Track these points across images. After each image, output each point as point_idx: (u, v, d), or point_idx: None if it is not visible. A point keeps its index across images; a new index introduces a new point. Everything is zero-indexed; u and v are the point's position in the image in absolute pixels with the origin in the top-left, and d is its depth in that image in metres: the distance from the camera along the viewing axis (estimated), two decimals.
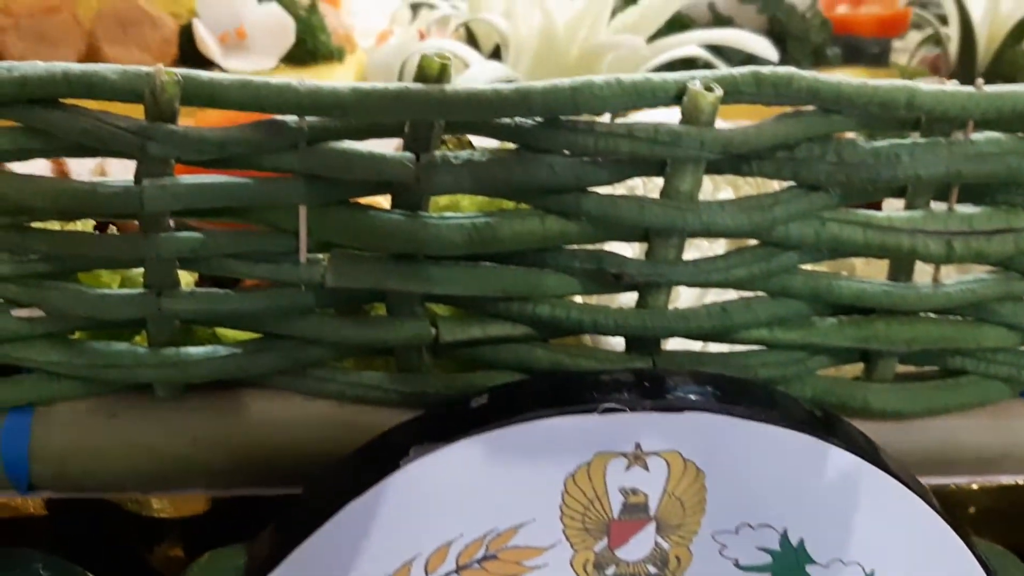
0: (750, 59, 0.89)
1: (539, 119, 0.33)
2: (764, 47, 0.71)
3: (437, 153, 0.33)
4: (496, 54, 1.17)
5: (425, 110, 0.32)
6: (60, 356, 0.34)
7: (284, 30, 0.80)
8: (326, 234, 0.34)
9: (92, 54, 0.74)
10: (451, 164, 0.33)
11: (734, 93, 0.33)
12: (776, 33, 0.99)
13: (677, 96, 0.33)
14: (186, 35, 0.78)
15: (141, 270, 0.34)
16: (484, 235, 0.34)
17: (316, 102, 0.32)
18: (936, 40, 1.25)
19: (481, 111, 0.32)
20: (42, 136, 0.31)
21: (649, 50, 0.67)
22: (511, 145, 0.34)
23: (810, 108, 0.34)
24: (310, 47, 0.84)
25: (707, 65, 0.89)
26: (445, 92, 0.32)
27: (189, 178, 0.32)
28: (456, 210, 0.36)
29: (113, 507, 0.37)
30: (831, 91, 0.34)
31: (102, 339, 0.36)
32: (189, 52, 0.78)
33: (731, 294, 0.38)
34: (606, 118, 0.34)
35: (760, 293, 0.37)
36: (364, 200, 0.35)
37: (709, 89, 0.33)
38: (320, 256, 0.35)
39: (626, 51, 0.69)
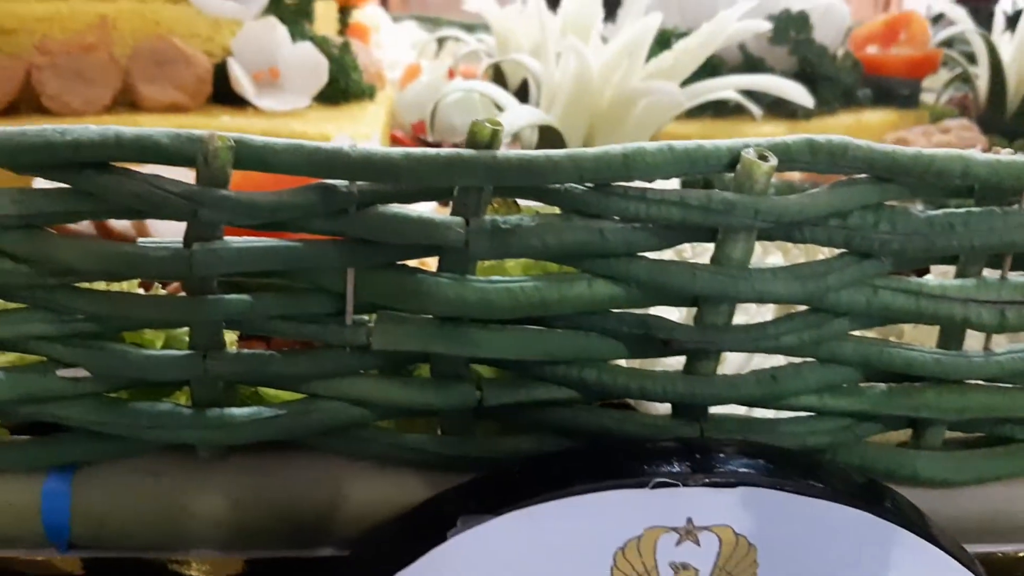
0: (779, 100, 0.89)
1: (589, 184, 0.33)
2: (799, 93, 0.70)
3: (486, 218, 0.33)
4: (523, 90, 1.17)
5: (476, 176, 0.32)
6: (103, 416, 0.34)
7: (318, 69, 0.80)
8: (372, 296, 0.34)
9: (127, 92, 0.75)
10: (500, 229, 0.33)
11: (788, 161, 0.33)
12: (807, 74, 0.98)
13: (730, 164, 0.33)
14: (220, 73, 0.78)
15: (186, 328, 0.34)
16: (531, 299, 0.33)
17: (368, 167, 0.32)
18: (964, 79, 1.25)
19: (532, 177, 0.32)
20: (92, 199, 0.31)
21: (683, 94, 0.67)
22: (559, 208, 0.34)
23: (864, 176, 0.34)
24: (342, 86, 0.84)
25: (738, 108, 0.89)
26: (496, 158, 0.32)
27: (239, 242, 0.32)
28: (503, 273, 0.35)
29: (152, 567, 0.37)
30: (886, 160, 0.33)
31: (144, 397, 0.36)
32: (223, 90, 0.78)
33: (778, 357, 0.38)
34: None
35: (809, 359, 0.36)
36: (411, 262, 0.34)
37: (763, 158, 0.32)
38: (366, 317, 0.34)
39: (660, 96, 0.69)
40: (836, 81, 0.99)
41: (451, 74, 1.04)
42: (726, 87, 0.74)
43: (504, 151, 0.32)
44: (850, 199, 0.33)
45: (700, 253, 0.39)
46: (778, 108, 0.92)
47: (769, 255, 0.41)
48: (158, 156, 0.31)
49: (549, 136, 0.73)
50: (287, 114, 0.78)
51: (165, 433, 0.34)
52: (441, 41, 1.53)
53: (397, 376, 0.36)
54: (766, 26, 0.78)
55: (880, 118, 1.04)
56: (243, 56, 0.78)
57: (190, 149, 0.31)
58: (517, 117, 0.69)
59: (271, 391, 0.36)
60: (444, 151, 0.32)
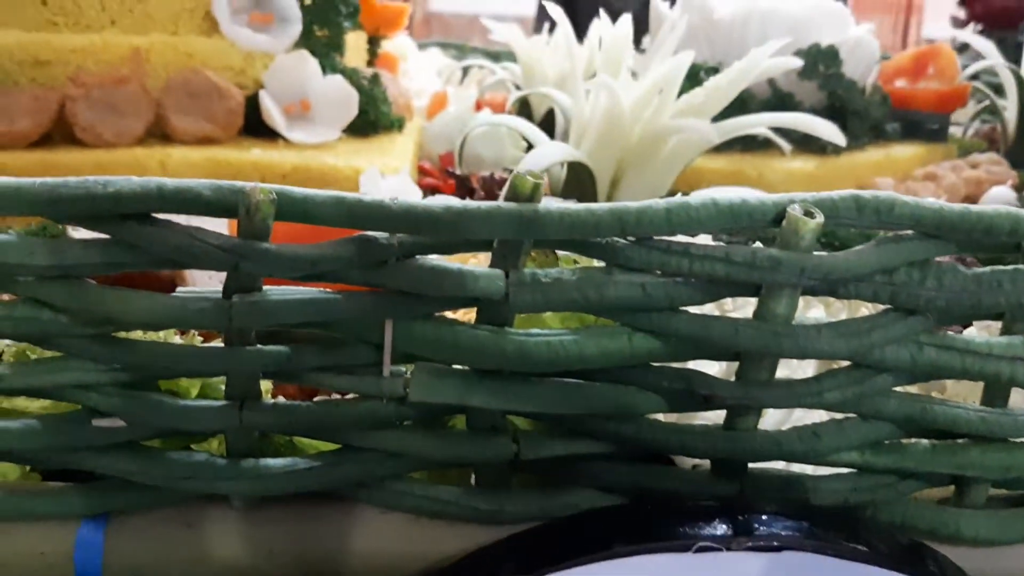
0: (809, 135, 0.88)
1: (632, 238, 0.32)
2: (832, 132, 0.70)
3: (527, 271, 0.33)
4: (549, 119, 1.17)
5: (517, 230, 0.32)
6: (138, 465, 0.34)
7: (348, 102, 0.81)
8: (410, 347, 0.34)
9: (160, 123, 0.75)
10: (540, 282, 0.32)
11: (833, 217, 0.32)
12: (836, 109, 0.98)
13: (775, 219, 0.32)
14: (251, 105, 0.78)
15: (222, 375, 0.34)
16: (570, 353, 0.33)
17: (408, 220, 0.31)
18: (992, 111, 1.24)
19: (574, 231, 0.32)
20: (132, 250, 0.31)
21: (714, 131, 0.67)
22: (600, 261, 0.33)
23: (910, 232, 0.33)
24: (372, 118, 0.85)
25: (767, 142, 0.89)
26: (538, 212, 0.31)
27: (278, 294, 0.32)
28: (542, 325, 0.35)
29: None
30: (933, 217, 0.33)
31: (178, 445, 0.35)
32: (254, 122, 0.78)
33: (818, 411, 0.37)
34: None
35: (851, 415, 0.36)
36: (449, 313, 0.34)
37: (809, 215, 0.32)
38: (403, 369, 0.34)
39: (691, 134, 0.69)
40: (865, 116, 0.99)
41: (479, 106, 1.04)
42: (758, 125, 0.73)
43: (546, 204, 0.32)
44: (897, 256, 0.33)
45: (741, 305, 0.39)
46: (807, 143, 0.91)
47: (811, 308, 0.40)
48: (200, 208, 0.31)
49: (578, 172, 0.73)
50: (317, 147, 0.78)
51: (199, 484, 0.34)
52: (467, 69, 1.54)
53: (433, 428, 0.35)
54: (797, 63, 0.78)
55: (909, 153, 1.03)
56: (274, 89, 0.79)
57: (232, 201, 0.31)
58: (547, 154, 0.69)
59: (306, 440, 0.36)
60: (485, 204, 0.32)
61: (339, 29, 0.85)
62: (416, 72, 1.46)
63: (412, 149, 0.86)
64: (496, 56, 1.75)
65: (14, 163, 0.70)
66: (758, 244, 0.38)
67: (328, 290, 0.33)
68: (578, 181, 0.73)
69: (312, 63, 0.80)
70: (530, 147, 1.00)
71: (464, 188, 0.84)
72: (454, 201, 0.32)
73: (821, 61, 0.95)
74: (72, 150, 0.72)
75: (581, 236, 0.32)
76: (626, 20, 0.74)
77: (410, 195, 0.72)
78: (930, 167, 0.99)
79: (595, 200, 0.74)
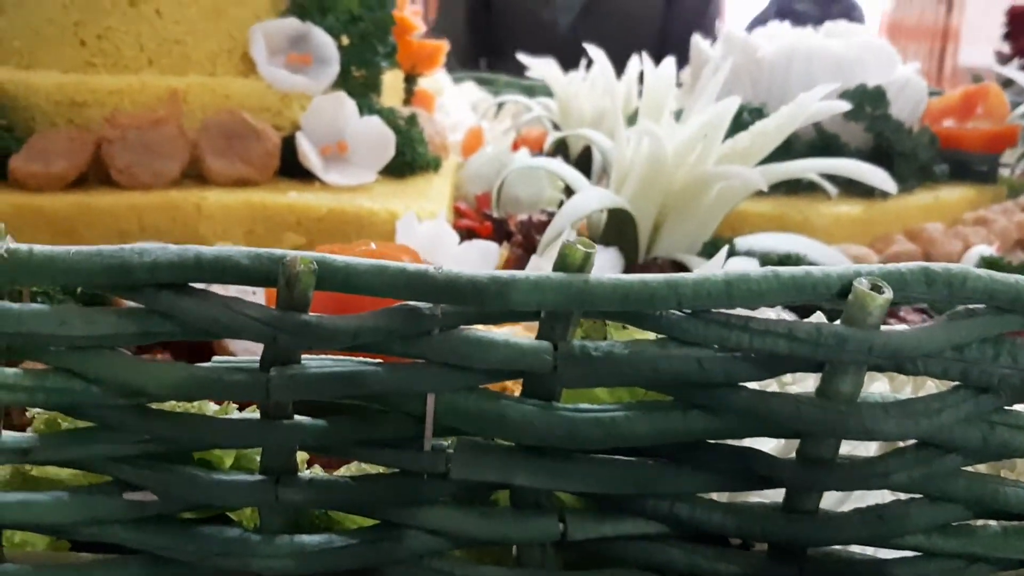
0: (852, 181, 0.86)
1: (688, 311, 0.31)
2: (883, 179, 0.68)
3: (576, 343, 0.31)
4: (584, 156, 1.16)
5: (567, 301, 0.30)
6: (169, 540, 0.32)
7: (385, 143, 0.80)
8: (452, 420, 0.32)
9: (195, 165, 0.74)
10: (591, 356, 0.31)
11: (902, 291, 0.31)
12: (883, 150, 0.96)
13: (841, 293, 0.30)
14: (287, 146, 0.77)
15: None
16: (622, 430, 0.31)
17: (453, 291, 0.30)
18: None
19: (627, 303, 0.30)
20: (168, 320, 0.30)
21: (760, 177, 0.65)
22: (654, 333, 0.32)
23: (982, 306, 0.32)
24: (408, 159, 0.84)
25: (812, 185, 0.87)
26: (589, 283, 0.30)
27: (317, 366, 0.31)
28: (591, 399, 0.33)
29: None
30: (1008, 292, 0.31)
31: (211, 514, 0.34)
32: (290, 163, 0.78)
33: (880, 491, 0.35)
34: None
35: (917, 495, 0.34)
36: (493, 386, 0.33)
37: (877, 288, 0.30)
38: (445, 443, 0.33)
39: (737, 181, 0.67)
40: (913, 157, 0.96)
41: (516, 146, 1.03)
42: (806, 171, 0.72)
43: (597, 275, 0.30)
44: (969, 332, 0.31)
45: (801, 379, 0.37)
46: (854, 185, 0.89)
47: (874, 381, 0.38)
48: (238, 277, 0.29)
49: (619, 217, 0.71)
50: (353, 189, 0.77)
51: (232, 561, 0.32)
52: (501, 104, 1.54)
53: (475, 505, 0.34)
54: (845, 106, 0.76)
55: (957, 195, 1.01)
56: (311, 130, 0.78)
57: (271, 269, 0.29)
58: (589, 200, 0.67)
59: (343, 514, 0.35)
60: (533, 275, 0.30)
61: (376, 69, 0.85)
62: (451, 107, 1.46)
63: (448, 191, 0.85)
64: (531, 90, 1.75)
65: (50, 205, 0.70)
66: (819, 315, 0.37)
67: (369, 360, 0.31)
68: (619, 226, 0.72)
69: (349, 104, 0.79)
70: (568, 188, 0.99)
71: (501, 231, 0.83)
72: (501, 273, 0.30)
73: (868, 102, 0.93)
74: (108, 192, 0.72)
75: (634, 308, 0.30)
76: (670, 63, 0.72)
77: (446, 240, 0.71)
78: (980, 211, 0.97)
79: (636, 245, 0.72)
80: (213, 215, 0.71)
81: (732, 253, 0.72)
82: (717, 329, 0.30)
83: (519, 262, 0.78)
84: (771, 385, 0.33)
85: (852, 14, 2.70)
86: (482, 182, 0.95)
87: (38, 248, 0.29)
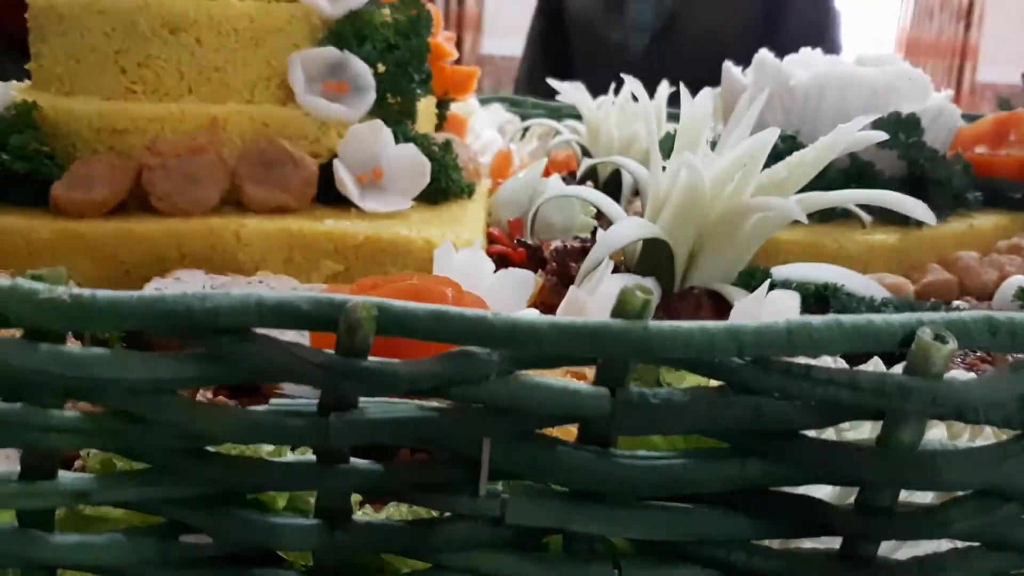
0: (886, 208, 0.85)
1: (748, 358, 0.31)
2: (922, 211, 0.67)
3: (634, 389, 0.31)
4: (612, 181, 1.16)
5: (626, 349, 0.30)
6: None
7: (420, 171, 0.80)
8: (507, 465, 0.32)
9: (234, 192, 0.75)
10: (649, 403, 0.31)
11: (966, 340, 0.30)
12: (916, 178, 0.95)
13: (904, 341, 0.30)
14: (324, 173, 0.78)
15: None
16: (679, 477, 0.31)
17: (511, 336, 0.30)
18: None
19: (686, 350, 0.30)
20: (228, 365, 0.30)
21: (797, 208, 0.65)
22: (712, 380, 0.31)
23: None
24: (443, 186, 0.84)
25: (846, 212, 0.86)
26: (648, 331, 0.30)
27: (376, 411, 0.31)
28: (647, 445, 0.33)
29: None
30: None
31: (263, 559, 0.34)
32: (326, 189, 0.78)
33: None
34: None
35: (975, 543, 0.33)
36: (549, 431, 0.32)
37: (940, 338, 0.30)
38: (499, 488, 0.32)
39: (774, 213, 0.67)
40: (947, 185, 0.96)
41: (547, 171, 1.03)
42: (843, 201, 0.71)
43: (657, 323, 0.30)
44: None
45: (857, 423, 0.37)
46: (888, 213, 0.88)
47: (931, 427, 0.38)
48: (299, 322, 0.30)
49: (655, 246, 0.71)
50: (389, 216, 0.77)
51: None
52: (527, 126, 1.54)
53: (529, 550, 0.33)
54: (881, 136, 0.75)
55: (991, 223, 1.00)
56: (348, 158, 0.78)
57: (331, 315, 0.30)
58: (626, 231, 0.67)
59: (396, 557, 0.35)
60: (592, 322, 0.30)
61: (412, 97, 0.85)
62: (480, 129, 1.47)
63: (482, 217, 0.85)
64: (558, 111, 1.75)
65: (91, 231, 0.71)
66: (877, 361, 0.36)
67: (425, 405, 0.31)
68: (654, 255, 0.72)
69: (386, 132, 0.80)
70: (600, 214, 0.99)
71: (536, 258, 0.83)
72: (560, 319, 0.30)
73: (902, 130, 0.93)
74: (148, 219, 0.72)
75: (693, 355, 0.30)
76: (707, 94, 0.72)
77: (482, 268, 0.71)
78: (1015, 239, 0.96)
79: (672, 274, 0.72)
80: (252, 242, 0.71)
81: (769, 283, 0.72)
82: (778, 377, 0.30)
83: (554, 290, 0.77)
84: (827, 431, 0.33)
85: None
86: (514, 207, 0.95)
87: (100, 293, 0.29)
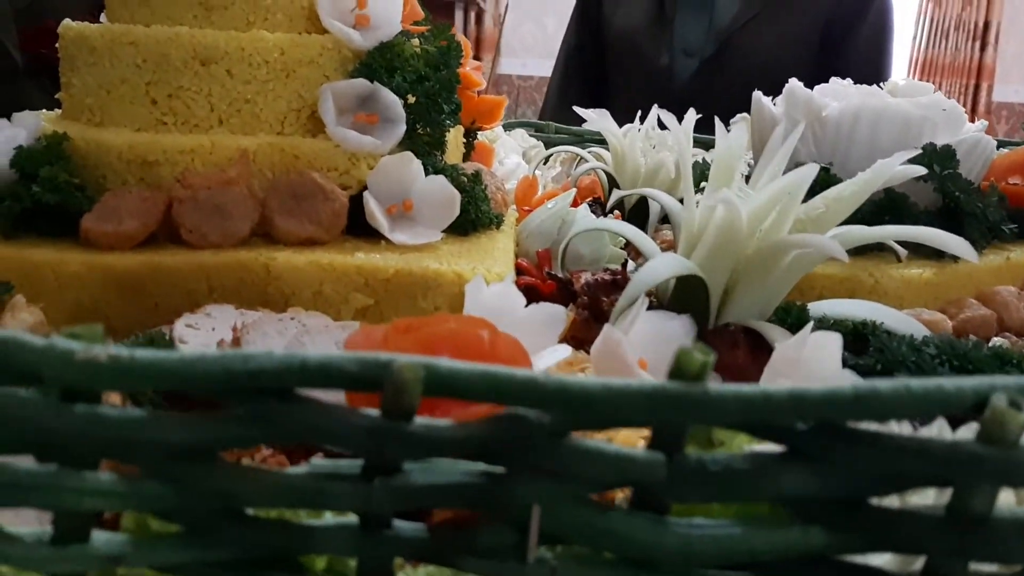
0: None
1: (812, 423, 0.29)
2: (964, 248, 0.66)
3: (691, 455, 0.30)
4: (638, 209, 1.15)
5: (683, 412, 0.29)
6: None
7: (450, 203, 0.79)
8: (557, 531, 0.31)
9: (264, 224, 0.74)
10: (707, 469, 0.29)
11: None
12: (951, 210, 0.93)
13: (976, 407, 0.29)
14: (354, 205, 0.77)
15: None
16: (738, 547, 0.30)
17: (562, 398, 0.29)
18: None
19: (747, 415, 0.29)
20: (269, 426, 0.29)
21: (839, 247, 0.63)
22: (773, 445, 0.30)
23: None
24: (472, 217, 0.83)
25: (880, 245, 0.85)
26: (708, 395, 0.28)
27: (421, 474, 0.29)
28: (704, 512, 0.32)
29: None
30: None
31: None
32: (356, 222, 0.77)
33: None
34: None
35: None
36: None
37: (1015, 405, 0.28)
38: (548, 555, 0.31)
39: (812, 250, 0.66)
40: (983, 218, 0.94)
41: (576, 202, 1.02)
42: (883, 237, 0.70)
43: (716, 386, 0.29)
44: None
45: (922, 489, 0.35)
46: (923, 246, 0.86)
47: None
48: (343, 383, 0.29)
49: (689, 282, 0.70)
50: (419, 249, 0.76)
51: None
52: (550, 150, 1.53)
53: None
54: (920, 171, 0.74)
55: None
56: (378, 189, 0.78)
57: (376, 376, 0.28)
58: (663, 267, 0.66)
59: None
60: (648, 384, 0.29)
61: (441, 128, 0.84)
62: (504, 155, 1.46)
63: (511, 249, 0.84)
64: (581, 136, 1.75)
65: (121, 264, 0.70)
66: (942, 423, 0.35)
67: (472, 468, 0.30)
68: (688, 291, 0.70)
69: (416, 164, 0.79)
70: (627, 245, 0.98)
71: (566, 292, 0.82)
72: (613, 381, 0.29)
73: (937, 162, 0.91)
74: (177, 251, 0.71)
75: (754, 419, 0.29)
76: (742, 129, 0.71)
77: (514, 303, 0.70)
78: None
79: (706, 310, 0.70)
80: (281, 276, 0.71)
81: (804, 320, 0.71)
82: (844, 444, 0.29)
83: (586, 325, 0.76)
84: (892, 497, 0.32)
85: None
86: (543, 238, 0.94)
87: (140, 353, 0.28)
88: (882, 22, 1.84)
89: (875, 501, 0.30)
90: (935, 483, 0.30)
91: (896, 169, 0.70)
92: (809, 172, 0.65)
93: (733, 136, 0.71)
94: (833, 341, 0.60)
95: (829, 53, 1.79)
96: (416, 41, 0.87)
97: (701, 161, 1.24)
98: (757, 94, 1.05)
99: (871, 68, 1.81)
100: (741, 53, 1.77)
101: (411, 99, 0.82)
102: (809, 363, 0.58)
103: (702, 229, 0.70)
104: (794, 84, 1.01)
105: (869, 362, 0.65)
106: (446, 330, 0.47)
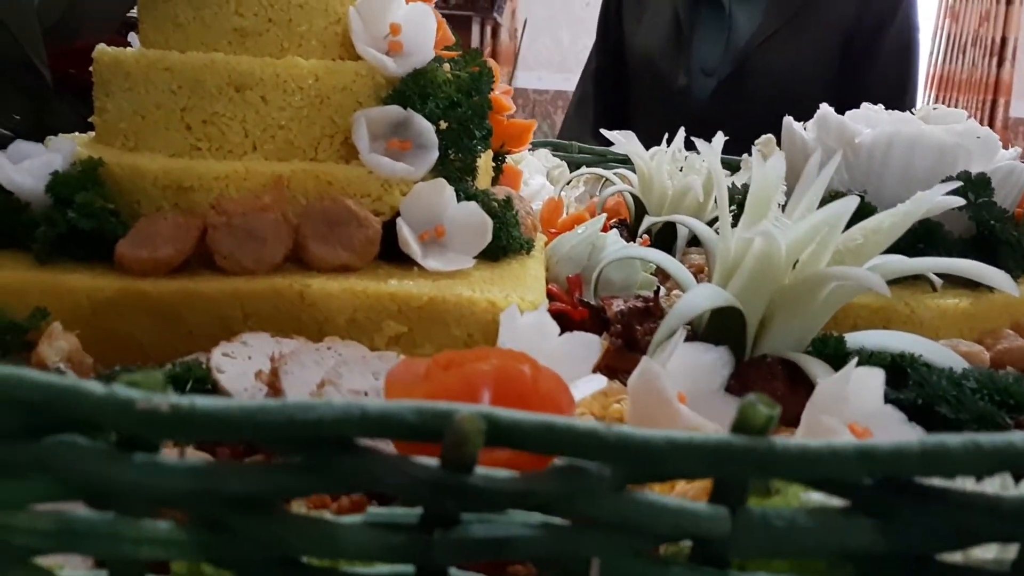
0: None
1: (879, 479, 0.29)
2: (1005, 282, 0.65)
3: (755, 509, 0.29)
4: (665, 232, 1.14)
5: (748, 467, 0.28)
6: None
7: (482, 229, 0.79)
8: None
9: (298, 250, 0.74)
10: (772, 524, 0.29)
11: None
12: (986, 238, 0.92)
13: None
14: (386, 231, 0.77)
15: None
16: None
17: (624, 450, 0.28)
18: None
19: (813, 470, 0.28)
20: (327, 475, 0.29)
21: (879, 280, 0.63)
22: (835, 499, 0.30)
23: None
24: (503, 243, 0.83)
25: (914, 275, 0.84)
26: (774, 449, 0.28)
27: (481, 527, 0.29)
28: (764, 568, 0.31)
29: None
30: None
31: None
32: (388, 247, 0.77)
33: None
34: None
35: None
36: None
37: None
38: None
39: (852, 283, 0.65)
40: (1018, 246, 0.93)
41: (606, 228, 1.02)
42: (923, 269, 0.69)
43: (781, 439, 0.28)
44: None
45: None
46: (958, 276, 0.86)
47: None
48: (404, 434, 0.28)
49: (726, 313, 0.69)
50: (452, 276, 0.76)
51: None
52: (574, 171, 1.53)
53: None
54: (959, 202, 0.74)
55: None
56: (410, 216, 0.77)
57: (436, 426, 0.28)
58: (701, 299, 0.66)
59: None
60: (712, 438, 0.28)
61: (473, 154, 0.84)
62: (529, 175, 1.46)
63: (543, 275, 0.83)
64: (603, 156, 1.74)
65: (155, 290, 0.70)
66: (1006, 476, 0.34)
67: (532, 521, 0.30)
68: (724, 322, 0.70)
69: (448, 191, 0.79)
70: (658, 270, 0.97)
71: (598, 320, 0.82)
72: (676, 433, 0.28)
73: (972, 190, 0.90)
74: (212, 278, 0.71)
75: (820, 475, 0.28)
76: (779, 159, 0.71)
77: (548, 332, 0.70)
78: None
79: (742, 342, 0.70)
80: (316, 302, 0.71)
81: (841, 351, 0.70)
82: (911, 500, 0.28)
83: (620, 354, 0.76)
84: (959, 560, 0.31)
85: None
86: (573, 264, 0.94)
87: (200, 402, 0.28)
88: (906, 40, 1.81)
89: (939, 556, 0.30)
90: (1001, 539, 0.29)
91: (936, 200, 0.69)
92: (849, 204, 0.64)
93: (770, 165, 0.71)
94: (875, 377, 0.59)
95: (849, 71, 1.77)
96: (447, 66, 0.87)
97: (731, 186, 1.23)
98: (788, 119, 1.05)
99: (895, 86, 1.78)
100: (759, 72, 1.76)
101: (443, 125, 0.82)
102: (851, 399, 0.57)
103: (738, 259, 0.70)
104: (826, 110, 1.00)
105: (909, 396, 0.65)
106: (493, 369, 0.47)
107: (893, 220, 0.68)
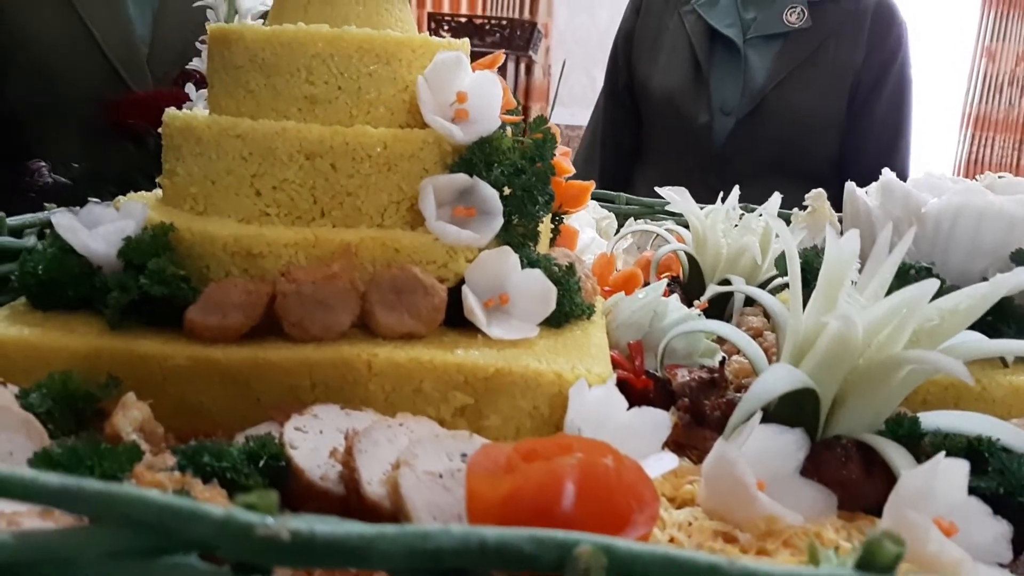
0: None
1: None
2: None
3: None
4: (721, 298, 1.13)
5: None
6: None
7: (546, 296, 0.79)
8: None
9: (364, 317, 0.74)
10: None
11: None
12: None
13: None
14: (451, 297, 0.77)
15: None
16: None
17: None
18: None
19: None
20: None
21: (960, 366, 0.61)
22: None
23: None
24: (567, 309, 0.82)
25: (1000, 360, 0.82)
26: None
27: None
28: None
29: None
30: None
31: None
32: (452, 313, 0.77)
33: None
34: None
35: None
36: None
37: None
38: None
39: (929, 367, 0.64)
40: None
41: (667, 292, 1.01)
42: (1002, 352, 0.68)
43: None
44: None
45: None
46: None
47: None
48: (523, 564, 0.28)
49: (800, 393, 0.68)
50: (516, 344, 0.75)
51: None
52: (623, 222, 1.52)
53: None
54: None
55: None
56: (475, 283, 0.77)
57: (556, 556, 0.28)
58: (776, 383, 0.65)
59: None
60: (839, 573, 0.28)
61: (536, 219, 0.84)
62: (580, 228, 1.46)
63: (606, 344, 0.83)
64: (651, 207, 1.74)
65: (225, 357, 0.70)
66: None
67: None
68: (798, 402, 0.69)
69: (513, 258, 0.79)
70: (720, 340, 0.96)
71: (664, 392, 0.81)
72: (792, 567, 0.28)
73: None
74: (280, 345, 0.72)
75: None
76: (854, 236, 0.70)
77: (616, 407, 0.69)
78: None
79: (816, 422, 0.69)
80: (383, 372, 0.70)
81: (916, 433, 0.69)
82: None
83: (688, 430, 0.75)
84: None
85: None
86: (634, 330, 0.93)
87: (319, 530, 0.28)
88: (900, 88, 1.90)
89: None
90: None
91: (1016, 282, 0.68)
92: (928, 288, 0.63)
93: (845, 243, 0.70)
94: (959, 468, 0.58)
95: (853, 113, 1.86)
96: (509, 131, 0.87)
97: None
98: (851, 186, 1.04)
99: (892, 132, 1.88)
100: (775, 112, 1.83)
101: (507, 191, 0.82)
102: (935, 490, 0.56)
103: (811, 337, 0.69)
104: (890, 178, 0.99)
105: (990, 485, 0.63)
106: (579, 463, 0.46)
107: (971, 303, 0.66)
